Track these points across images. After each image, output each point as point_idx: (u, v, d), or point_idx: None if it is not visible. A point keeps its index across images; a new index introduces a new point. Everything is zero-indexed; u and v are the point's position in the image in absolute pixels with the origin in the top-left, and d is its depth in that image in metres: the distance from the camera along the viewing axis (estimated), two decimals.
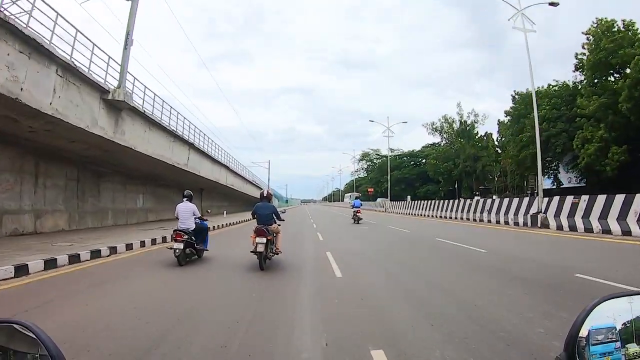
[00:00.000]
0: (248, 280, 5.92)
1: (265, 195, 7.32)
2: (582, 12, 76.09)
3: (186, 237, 7.09)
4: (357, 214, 19.70)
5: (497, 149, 56.98)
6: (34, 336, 0.93)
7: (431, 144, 69.47)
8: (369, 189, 69.19)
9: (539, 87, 36.35)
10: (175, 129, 17.39)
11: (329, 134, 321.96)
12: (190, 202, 7.60)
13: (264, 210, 6.90)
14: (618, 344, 0.94)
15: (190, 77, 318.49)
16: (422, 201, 30.92)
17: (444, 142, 66.46)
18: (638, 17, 34.81)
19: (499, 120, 63.72)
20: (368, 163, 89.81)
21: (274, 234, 6.86)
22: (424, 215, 27.14)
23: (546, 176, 33.71)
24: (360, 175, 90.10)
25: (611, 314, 0.96)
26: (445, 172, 56.75)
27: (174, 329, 3.49)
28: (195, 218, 7.48)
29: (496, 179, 54.53)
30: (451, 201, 24.36)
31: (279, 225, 7.17)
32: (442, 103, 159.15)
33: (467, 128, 58.33)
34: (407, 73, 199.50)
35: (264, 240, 6.36)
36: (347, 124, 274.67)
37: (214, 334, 3.37)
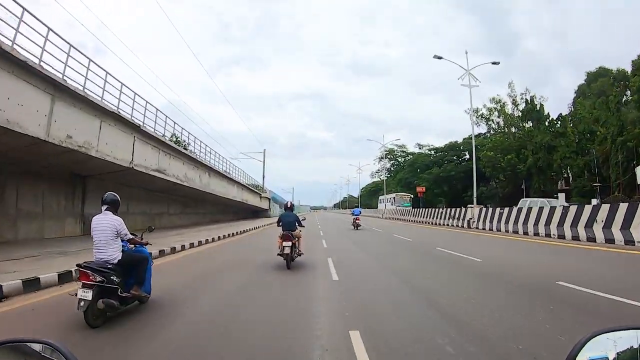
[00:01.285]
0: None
1: (288, 206, 8.55)
2: (592, 16, 65.07)
3: (100, 278, 3.86)
4: (357, 221, 21.03)
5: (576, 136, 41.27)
6: (63, 357, 0.97)
7: (476, 136, 53.94)
8: (420, 190, 45.08)
9: None
10: None
11: (339, 140, 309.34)
12: (115, 212, 4.40)
13: (288, 219, 7.88)
14: None
15: (203, 82, 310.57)
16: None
17: (491, 132, 50.98)
18: None
19: (575, 99, 48.09)
20: (392, 162, 74.65)
21: (297, 238, 7.70)
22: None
23: None
24: (382, 177, 75.54)
25: (604, 348, 1.00)
26: (507, 167, 41.01)
27: None
28: (122, 242, 4.40)
29: (587, 175, 38.15)
30: None
31: (301, 230, 8.05)
32: (452, 107, 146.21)
33: (536, 108, 42.52)
34: (417, 78, 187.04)
35: (290, 243, 7.38)
36: (358, 130, 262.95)
37: None
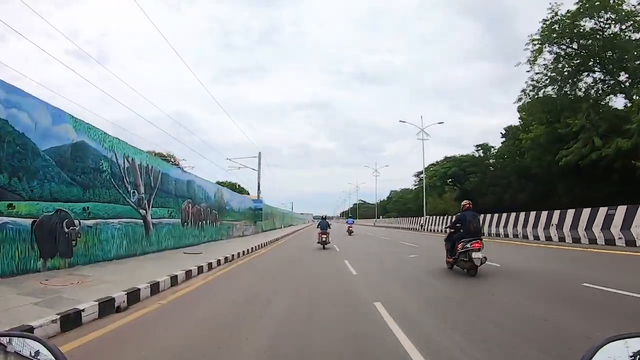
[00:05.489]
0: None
1: (324, 217, 16.48)
2: None
3: None
4: (350, 229, 26.93)
5: None
6: (47, 351, 0.95)
7: None
8: None
9: None
10: None
11: (343, 149, 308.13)
12: None
13: (323, 223, 15.63)
14: None
15: (206, 91, 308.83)
16: None
17: None
18: None
19: None
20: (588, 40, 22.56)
21: (328, 234, 15.55)
22: None
23: None
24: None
25: (619, 354, 0.96)
26: None
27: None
28: None
29: None
30: None
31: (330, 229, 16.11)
32: (457, 115, 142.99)
33: None
34: (421, 86, 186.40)
35: (325, 236, 15.27)
36: (361, 138, 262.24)
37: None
